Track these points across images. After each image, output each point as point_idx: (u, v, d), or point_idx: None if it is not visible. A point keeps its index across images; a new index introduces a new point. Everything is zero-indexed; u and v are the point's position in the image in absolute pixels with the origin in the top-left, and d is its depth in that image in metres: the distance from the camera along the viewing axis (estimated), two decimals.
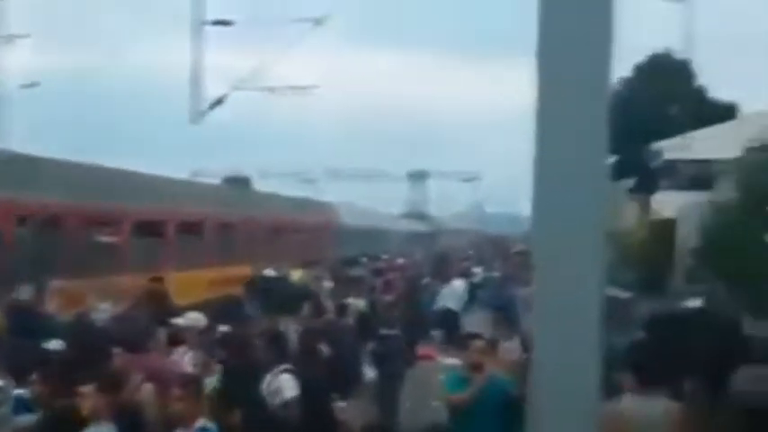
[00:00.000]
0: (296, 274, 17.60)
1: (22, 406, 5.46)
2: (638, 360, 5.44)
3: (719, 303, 14.89)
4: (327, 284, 15.52)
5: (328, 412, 5.97)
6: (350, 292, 12.94)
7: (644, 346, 7.68)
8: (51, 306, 10.77)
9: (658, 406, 5.13)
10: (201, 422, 4.94)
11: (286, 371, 6.17)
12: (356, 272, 18.85)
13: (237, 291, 15.09)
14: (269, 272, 16.06)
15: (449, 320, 14.80)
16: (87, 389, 4.80)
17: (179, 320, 7.63)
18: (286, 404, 5.93)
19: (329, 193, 42.40)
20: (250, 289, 13.72)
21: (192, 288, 14.44)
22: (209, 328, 7.70)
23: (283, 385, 6.01)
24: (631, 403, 5.05)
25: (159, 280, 13.30)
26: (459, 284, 18.38)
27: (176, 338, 7.24)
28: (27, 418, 5.37)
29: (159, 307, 11.30)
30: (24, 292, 10.70)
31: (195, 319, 7.58)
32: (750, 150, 19.98)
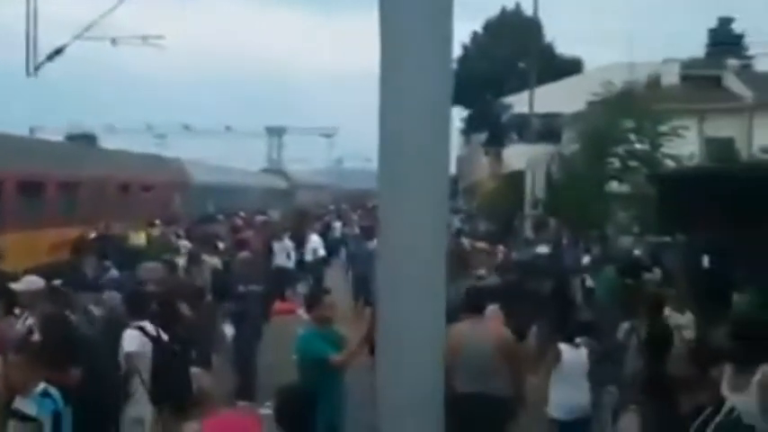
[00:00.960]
0: (138, 236, 16.96)
1: None
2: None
3: (563, 249, 15.77)
4: (184, 243, 15.02)
5: (184, 372, 5.81)
6: (205, 250, 12.60)
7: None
8: None
9: (488, 331, 6.38)
10: (42, 386, 4.79)
11: (136, 327, 6.29)
12: (212, 229, 18.37)
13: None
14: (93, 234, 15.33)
15: (281, 277, 15.10)
16: None
17: (16, 285, 7.14)
18: (127, 356, 6.15)
19: (182, 150, 41.08)
20: (82, 250, 13.05)
21: (30, 251, 13.59)
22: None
23: (127, 340, 6.21)
24: (466, 326, 6.25)
25: None
26: (315, 239, 18.46)
27: (11, 304, 6.79)
28: None
29: None
30: None
31: (31, 282, 7.12)
32: (592, 104, 21.12)
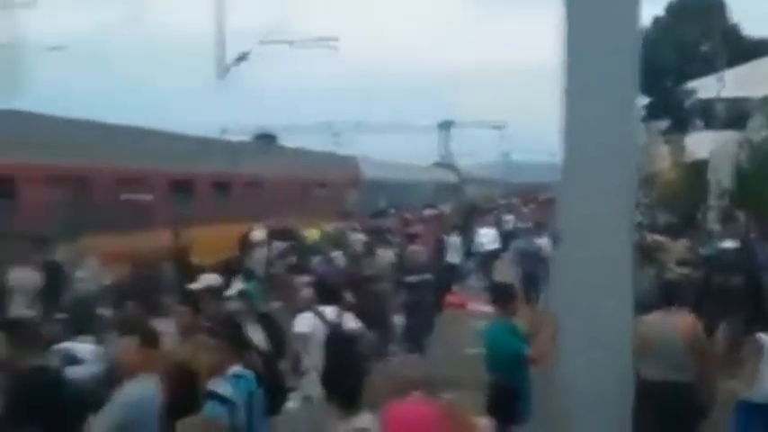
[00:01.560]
0: (311, 232, 17.63)
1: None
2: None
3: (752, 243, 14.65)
4: (359, 237, 15.53)
5: (356, 358, 6.07)
6: (378, 243, 12.98)
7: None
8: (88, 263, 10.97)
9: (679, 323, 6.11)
10: (235, 368, 5.03)
11: (313, 311, 6.67)
12: (384, 223, 18.84)
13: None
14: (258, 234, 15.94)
15: (451, 271, 15.35)
16: (129, 343, 4.82)
17: (194, 285, 7.67)
18: (296, 337, 6.57)
19: (358, 147, 42.30)
20: (248, 246, 13.87)
21: (218, 246, 14.53)
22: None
23: (299, 321, 6.63)
24: (656, 318, 6.03)
25: (179, 237, 13.51)
26: (484, 233, 18.32)
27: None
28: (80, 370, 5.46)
29: (181, 265, 11.57)
30: (58, 252, 10.94)
31: (210, 279, 7.64)
32: None
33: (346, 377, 4.87)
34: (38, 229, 11.04)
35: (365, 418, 4.45)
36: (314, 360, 6.52)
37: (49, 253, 10.47)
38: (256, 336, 6.64)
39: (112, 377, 5.00)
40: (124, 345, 4.81)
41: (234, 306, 6.96)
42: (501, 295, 6.52)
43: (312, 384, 6.47)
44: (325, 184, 24.61)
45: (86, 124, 14.79)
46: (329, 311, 6.70)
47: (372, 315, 8.06)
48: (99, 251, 11.45)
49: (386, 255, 12.15)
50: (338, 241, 15.23)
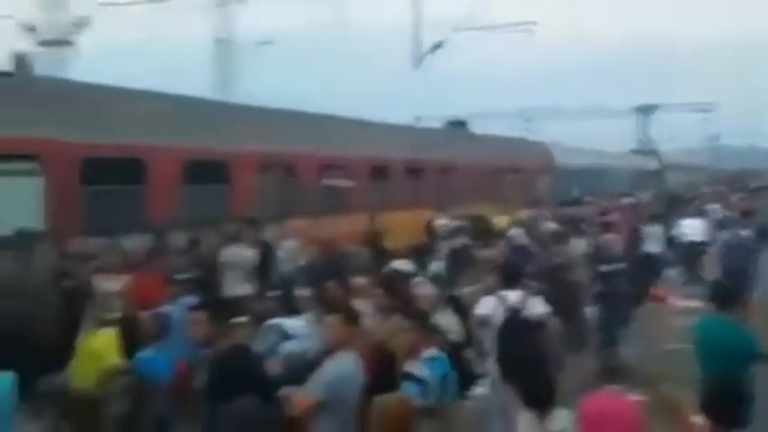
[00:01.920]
0: (501, 219, 17.55)
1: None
2: None
3: None
4: (550, 225, 15.29)
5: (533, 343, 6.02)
6: (571, 232, 12.72)
7: None
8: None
9: None
10: (431, 351, 5.17)
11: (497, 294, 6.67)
12: (577, 212, 18.35)
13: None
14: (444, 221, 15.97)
15: (650, 263, 14.40)
16: (333, 321, 5.06)
17: (389, 268, 7.91)
18: (475, 318, 6.64)
19: (548, 133, 41.43)
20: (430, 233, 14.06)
21: (408, 232, 14.86)
22: None
23: (481, 304, 6.68)
24: None
25: (373, 221, 14.03)
26: (687, 224, 17.25)
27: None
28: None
29: (375, 249, 12.08)
30: (268, 232, 11.86)
31: (403, 264, 7.86)
32: None
33: (531, 369, 4.79)
34: (250, 212, 11.99)
35: (562, 418, 4.32)
36: (491, 343, 6.53)
37: (261, 233, 11.32)
38: (446, 320, 6.80)
39: (320, 354, 5.29)
40: (328, 323, 5.08)
41: (424, 290, 7.16)
42: (720, 293, 6.22)
43: (492, 368, 6.47)
44: (518, 171, 24.39)
45: (292, 114, 15.73)
46: (513, 296, 6.61)
47: (563, 304, 7.92)
48: (301, 234, 12.24)
49: (579, 244, 11.89)
50: (530, 228, 15.09)
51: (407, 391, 4.93)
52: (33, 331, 7.16)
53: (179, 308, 6.87)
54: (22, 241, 8.55)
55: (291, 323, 6.11)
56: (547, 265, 9.70)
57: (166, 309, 7.06)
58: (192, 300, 6.61)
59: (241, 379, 4.71)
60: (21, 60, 11.51)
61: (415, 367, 5.09)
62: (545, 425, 4.26)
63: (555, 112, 59.70)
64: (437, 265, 10.40)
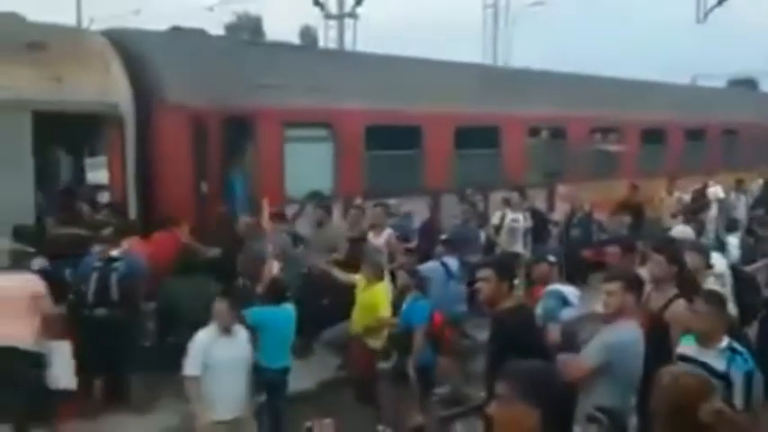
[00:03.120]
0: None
1: None
2: None
3: None
4: None
5: None
6: None
7: None
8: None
9: None
10: (727, 341, 4.55)
11: None
12: None
13: None
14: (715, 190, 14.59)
15: None
16: (614, 288, 4.90)
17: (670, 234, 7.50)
18: None
19: None
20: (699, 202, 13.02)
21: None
22: None
23: None
24: None
25: (636, 188, 13.29)
26: None
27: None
28: None
29: (635, 216, 11.64)
30: (535, 197, 11.99)
31: (682, 231, 7.42)
32: None
33: None
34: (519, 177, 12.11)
35: None
36: None
37: (530, 200, 11.51)
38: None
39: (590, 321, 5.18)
40: (609, 290, 4.93)
41: (694, 261, 6.68)
42: None
43: None
44: None
45: (562, 76, 15.32)
46: None
47: None
48: (571, 198, 12.10)
49: None
50: None
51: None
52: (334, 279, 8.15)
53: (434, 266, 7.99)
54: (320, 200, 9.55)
55: (568, 289, 6.07)
56: None
57: (427, 266, 7.92)
58: (450, 260, 7.99)
59: (522, 341, 4.75)
60: (306, 32, 12.67)
61: (712, 359, 4.46)
62: None
63: None
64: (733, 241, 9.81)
